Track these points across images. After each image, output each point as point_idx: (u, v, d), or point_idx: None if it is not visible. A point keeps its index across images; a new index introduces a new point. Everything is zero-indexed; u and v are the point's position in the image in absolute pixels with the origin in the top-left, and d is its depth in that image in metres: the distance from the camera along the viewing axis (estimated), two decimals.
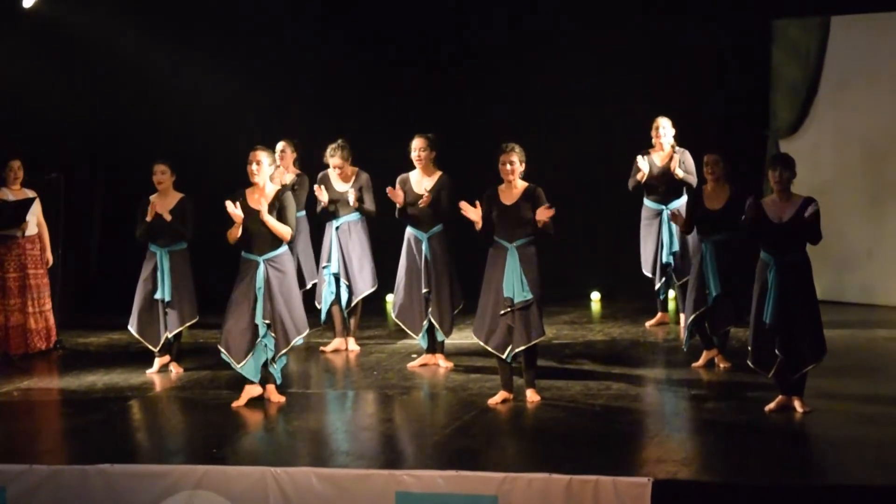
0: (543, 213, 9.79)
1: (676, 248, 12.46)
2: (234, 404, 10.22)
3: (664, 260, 12.54)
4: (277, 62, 15.13)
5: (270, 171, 10.31)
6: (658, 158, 12.56)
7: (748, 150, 13.84)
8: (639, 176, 12.51)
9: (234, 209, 10.06)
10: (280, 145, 12.65)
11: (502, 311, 9.87)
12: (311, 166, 12.62)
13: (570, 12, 14.51)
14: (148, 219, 11.42)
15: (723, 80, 14.31)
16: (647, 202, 12.73)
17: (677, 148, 12.54)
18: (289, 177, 12.53)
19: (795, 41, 14.02)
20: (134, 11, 14.79)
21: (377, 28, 15.04)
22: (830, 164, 13.78)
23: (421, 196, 11.23)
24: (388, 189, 11.23)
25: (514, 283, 9.85)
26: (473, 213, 9.92)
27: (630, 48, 14.31)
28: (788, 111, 14.10)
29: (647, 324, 13.00)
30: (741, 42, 14.24)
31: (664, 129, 12.56)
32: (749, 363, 9.60)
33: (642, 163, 12.46)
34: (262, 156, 10.26)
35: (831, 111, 13.93)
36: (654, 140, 12.61)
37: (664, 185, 12.51)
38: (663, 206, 12.52)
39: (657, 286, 12.73)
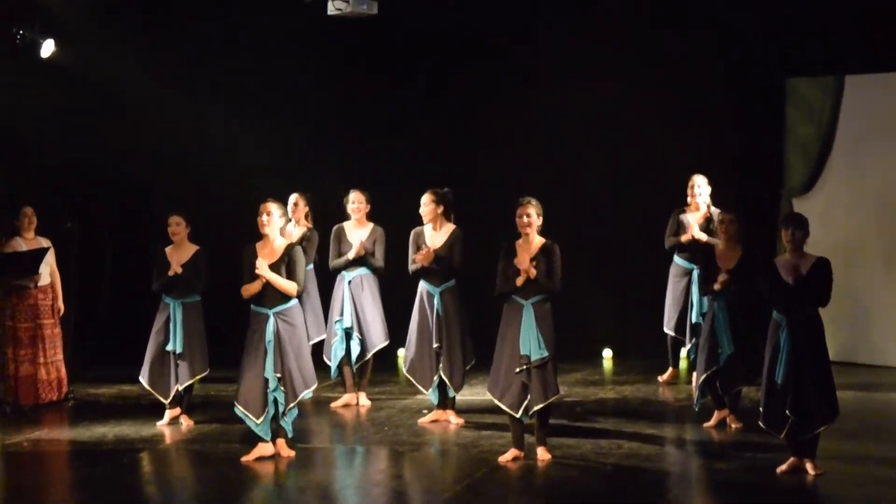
0: (523, 263, 9.78)
1: (707, 308, 12.35)
2: (244, 459, 10.18)
3: (694, 320, 12.42)
4: (292, 116, 15.19)
5: (280, 223, 10.32)
6: (693, 218, 12.49)
7: (762, 208, 13.84)
8: (684, 238, 12.41)
9: (265, 270, 10.05)
10: (293, 198, 12.70)
11: (518, 369, 9.85)
12: (322, 220, 12.64)
13: (587, 67, 14.54)
14: (170, 273, 11.43)
15: (737, 139, 14.32)
16: (677, 260, 12.66)
17: (713, 208, 12.45)
18: (299, 230, 12.56)
19: (810, 100, 14.05)
20: (155, 63, 14.88)
21: (392, 82, 15.11)
22: (844, 223, 13.77)
23: (434, 250, 11.23)
24: (419, 255, 11.20)
25: (530, 340, 9.84)
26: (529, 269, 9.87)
27: (646, 106, 14.33)
28: (802, 170, 14.11)
29: (660, 378, 12.96)
30: (756, 100, 14.28)
31: (700, 187, 12.49)
32: (760, 424, 9.55)
33: (694, 228, 12.29)
34: (273, 208, 10.28)
35: (845, 170, 13.94)
36: (689, 198, 12.55)
37: (698, 244, 12.35)
38: (694, 266, 12.36)
39: (687, 347, 12.60)
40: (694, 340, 12.45)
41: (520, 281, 9.86)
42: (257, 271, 10.09)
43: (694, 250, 12.43)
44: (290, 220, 12.03)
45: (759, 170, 14.29)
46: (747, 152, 14.30)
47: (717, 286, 10.65)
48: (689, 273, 12.52)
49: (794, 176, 14.17)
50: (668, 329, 12.72)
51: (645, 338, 13.14)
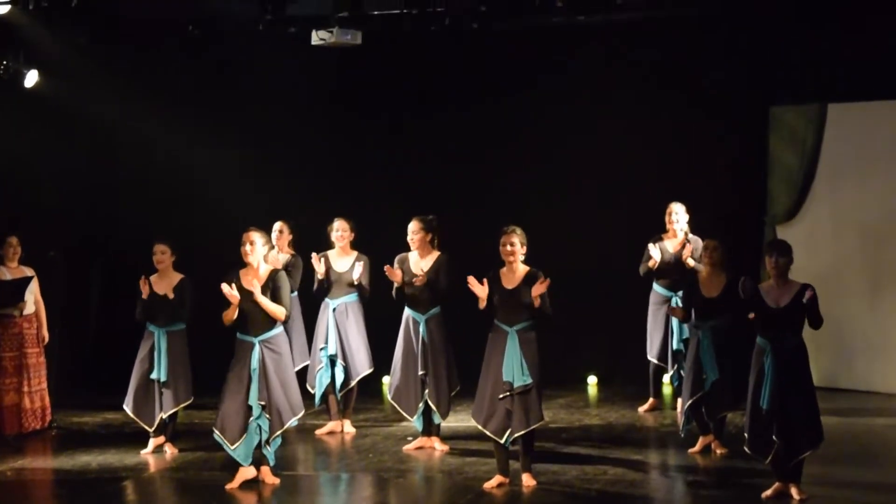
0: (537, 289, 9.80)
1: (686, 335, 12.39)
2: (228, 486, 10.15)
3: (675, 347, 12.47)
4: (275, 144, 15.22)
5: (264, 251, 10.32)
6: (671, 245, 12.55)
7: (745, 236, 13.88)
8: (650, 263, 12.50)
9: (231, 291, 10.06)
10: (277, 225, 12.70)
11: (501, 395, 9.85)
12: (306, 248, 12.64)
13: (573, 100, 14.61)
14: (144, 296, 11.42)
15: (720, 167, 14.37)
16: (656, 287, 12.72)
17: (690, 236, 12.52)
18: (283, 257, 12.56)
19: (792, 128, 14.12)
20: (133, 91, 14.91)
21: (376, 110, 15.15)
22: (827, 250, 13.82)
23: (418, 276, 11.25)
24: (387, 267, 11.27)
25: (514, 367, 9.84)
26: (480, 289, 9.91)
27: (628, 135, 14.39)
28: (785, 197, 14.17)
29: (640, 409, 12.97)
30: (739, 129, 14.33)
31: (677, 214, 12.56)
32: (746, 449, 9.55)
33: (654, 251, 12.44)
34: (256, 236, 10.27)
35: (828, 197, 14.00)
36: (667, 226, 12.61)
37: (676, 271, 12.46)
38: (673, 293, 12.47)
39: (669, 374, 12.64)
40: (676, 367, 12.50)
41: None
42: (250, 291, 10.05)
43: (672, 277, 12.48)
44: (273, 248, 12.03)
45: (743, 197, 14.34)
46: (731, 180, 14.34)
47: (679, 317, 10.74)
48: (668, 300, 12.56)
49: (777, 203, 14.22)
50: (652, 356, 12.74)
51: (630, 364, 13.16)
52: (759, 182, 14.31)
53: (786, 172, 14.18)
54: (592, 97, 14.58)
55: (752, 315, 9.42)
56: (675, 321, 12.40)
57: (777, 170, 14.23)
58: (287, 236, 12.78)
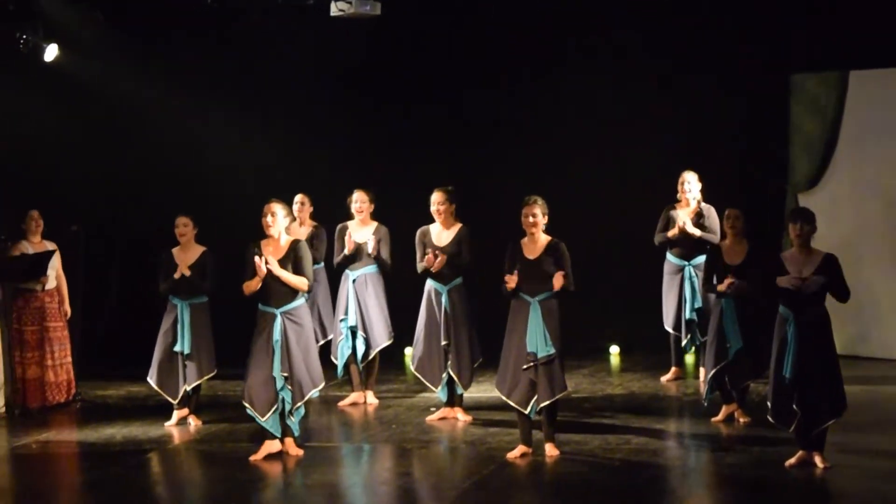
0: (558, 281, 9.80)
1: (700, 304, 12.41)
2: (253, 458, 10.19)
3: (687, 316, 12.49)
4: (295, 114, 15.21)
5: (285, 223, 10.31)
6: (684, 214, 12.53)
7: (767, 204, 13.84)
8: (670, 233, 12.47)
9: (261, 264, 10.05)
10: (298, 197, 12.74)
11: (525, 366, 9.85)
12: (327, 219, 12.65)
13: (591, 67, 14.57)
14: (176, 276, 11.44)
15: (742, 135, 14.33)
16: (669, 257, 12.71)
17: (703, 204, 12.51)
18: (305, 229, 12.58)
19: (814, 96, 14.06)
20: (155, 65, 14.92)
21: (397, 81, 15.11)
22: (849, 217, 13.77)
23: (441, 248, 11.23)
24: (427, 258, 11.21)
25: (537, 337, 9.83)
26: (513, 281, 9.89)
27: (650, 103, 14.36)
28: (807, 165, 14.12)
29: (663, 378, 12.96)
30: (760, 97, 14.27)
31: (690, 183, 12.52)
32: (769, 418, 9.55)
33: (681, 217, 12.39)
34: (277, 208, 10.26)
35: (850, 165, 13.94)
36: (679, 195, 12.58)
37: (688, 240, 12.47)
38: (686, 263, 12.50)
39: (683, 342, 12.67)
40: (689, 336, 12.53)
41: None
42: (268, 266, 10.05)
43: (685, 246, 12.47)
44: (294, 220, 12.06)
45: (765, 165, 14.30)
46: (752, 148, 14.31)
47: (721, 288, 10.66)
48: (681, 269, 12.56)
49: (799, 171, 14.17)
50: (668, 326, 12.74)
51: (652, 334, 13.12)
52: (780, 150, 14.26)
53: (807, 140, 14.12)
54: (612, 67, 14.53)
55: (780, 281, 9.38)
56: (687, 290, 12.43)
57: (798, 138, 14.17)
58: (308, 208, 12.81)
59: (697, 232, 12.31)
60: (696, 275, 12.37)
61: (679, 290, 12.57)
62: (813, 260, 9.35)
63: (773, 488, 9.08)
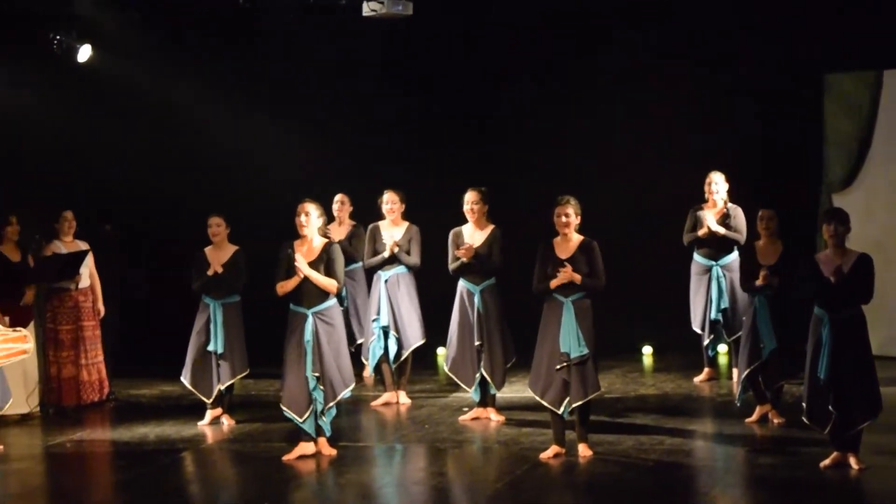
0: (564, 278, 9.78)
1: (726, 304, 12.39)
2: (286, 458, 10.20)
3: (713, 317, 12.49)
4: (329, 115, 15.23)
5: (319, 222, 10.31)
6: (711, 214, 12.51)
7: (801, 204, 13.78)
8: (700, 233, 12.45)
9: (302, 265, 10.06)
10: (338, 197, 12.88)
11: (558, 366, 9.84)
12: (363, 220, 12.68)
13: (624, 67, 14.54)
14: (210, 273, 11.47)
15: (776, 135, 14.26)
16: (696, 257, 12.69)
17: (730, 204, 12.49)
18: (344, 229, 12.64)
19: (848, 95, 14.00)
20: (187, 66, 14.97)
21: (430, 82, 15.11)
22: (884, 217, 13.70)
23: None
24: (459, 251, 11.20)
25: (570, 338, 9.82)
26: (574, 276, 9.86)
27: (683, 103, 14.32)
28: (841, 165, 14.06)
29: (696, 379, 12.92)
30: (794, 97, 14.21)
31: (717, 184, 12.50)
32: (804, 419, 9.51)
33: (708, 217, 12.38)
34: (311, 207, 10.26)
35: (885, 165, 13.87)
36: (706, 195, 12.57)
37: (716, 240, 12.46)
38: (713, 262, 12.48)
39: (706, 342, 12.67)
40: (713, 336, 12.49)
41: (554, 283, 9.85)
42: (297, 265, 10.07)
43: (712, 246, 12.46)
44: (330, 220, 12.09)
45: (798, 165, 14.23)
46: (786, 148, 14.24)
47: (759, 282, 10.61)
48: (708, 270, 12.53)
49: (833, 171, 14.11)
50: (696, 327, 12.73)
51: (685, 334, 13.07)
52: (814, 150, 14.19)
53: (841, 140, 14.06)
54: (644, 66, 14.49)
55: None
56: (714, 291, 12.41)
57: (832, 137, 14.11)
58: (348, 207, 12.92)
59: (722, 230, 12.30)
60: (724, 275, 12.39)
61: (707, 290, 12.54)
62: (847, 260, 9.30)
63: (807, 489, 9.03)
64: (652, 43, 14.47)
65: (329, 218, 12.65)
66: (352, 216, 12.98)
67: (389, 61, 15.05)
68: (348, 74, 15.12)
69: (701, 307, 12.63)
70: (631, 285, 13.81)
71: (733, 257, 12.36)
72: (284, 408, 10.20)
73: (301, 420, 10.15)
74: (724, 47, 14.21)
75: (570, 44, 14.72)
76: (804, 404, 9.46)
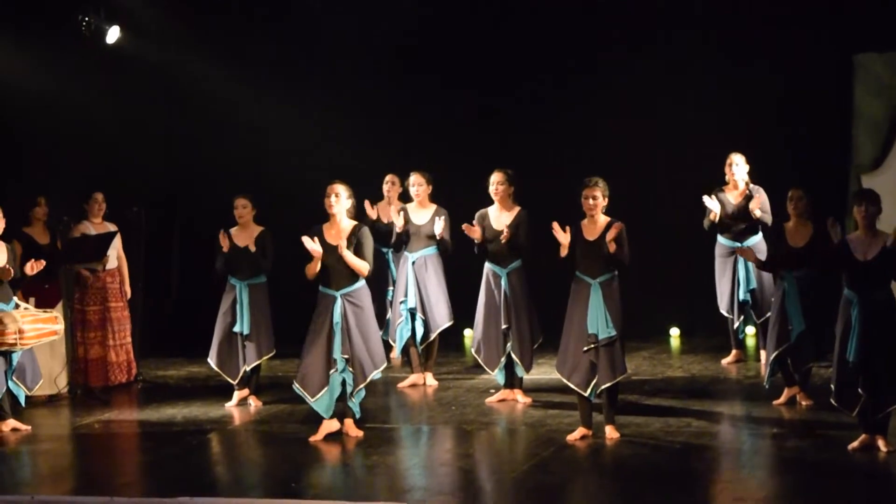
0: (611, 234, 9.75)
1: (754, 285, 12.35)
2: (312, 439, 10.22)
3: (741, 298, 12.44)
4: (357, 98, 15.19)
5: (348, 204, 10.31)
6: (732, 196, 12.46)
7: (830, 186, 13.70)
8: (711, 217, 12.43)
9: (313, 245, 10.08)
10: (388, 177, 13.01)
11: (586, 348, 9.82)
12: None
13: (648, 49, 14.48)
14: (224, 250, 11.47)
15: (804, 116, 14.17)
16: (720, 239, 12.64)
17: (751, 185, 12.43)
18: (393, 209, 12.68)
19: (878, 76, 13.92)
20: (215, 47, 14.98)
21: (457, 65, 15.06)
22: None
23: (500, 231, 11.23)
24: (465, 226, 11.23)
25: (598, 319, 9.80)
26: (563, 236, 9.86)
27: (711, 85, 14.26)
28: (871, 146, 13.98)
29: (724, 361, 12.88)
30: (823, 77, 14.12)
31: (738, 165, 12.46)
32: (832, 401, 9.47)
33: (711, 203, 12.36)
34: (340, 189, 10.27)
35: None
36: (727, 177, 12.52)
37: (739, 222, 12.40)
38: (738, 244, 12.41)
39: (736, 325, 12.62)
40: (742, 318, 12.46)
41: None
42: (337, 245, 10.06)
43: (734, 228, 12.41)
44: (379, 200, 12.15)
45: (828, 147, 14.14)
46: (816, 129, 14.14)
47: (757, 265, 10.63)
48: (732, 252, 12.46)
49: (862, 153, 14.04)
50: (723, 310, 12.67)
51: (712, 316, 13.02)
52: (844, 131, 14.11)
53: (871, 121, 13.99)
54: (672, 48, 14.42)
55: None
56: (741, 272, 12.36)
57: (862, 119, 14.04)
58: (398, 188, 12.98)
59: (758, 213, 12.20)
60: None
61: (733, 272, 12.49)
62: (878, 241, 9.25)
63: (835, 472, 8.99)
64: (679, 25, 14.38)
65: (363, 198, 12.76)
66: (400, 197, 12.96)
67: (418, 43, 14.99)
68: (377, 57, 15.08)
69: (728, 289, 12.58)
70: (659, 267, 13.80)
71: (758, 239, 12.33)
72: (297, 385, 10.24)
73: (313, 400, 10.17)
74: (752, 27, 14.12)
75: (595, 26, 14.64)
76: (832, 386, 9.42)
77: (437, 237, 11.94)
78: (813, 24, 13.97)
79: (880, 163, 13.95)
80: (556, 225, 9.87)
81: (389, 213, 12.70)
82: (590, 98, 14.75)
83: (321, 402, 10.21)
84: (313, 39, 15.18)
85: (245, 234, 11.63)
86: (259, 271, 11.58)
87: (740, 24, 14.14)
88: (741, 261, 12.36)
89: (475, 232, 11.24)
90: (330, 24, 14.99)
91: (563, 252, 9.89)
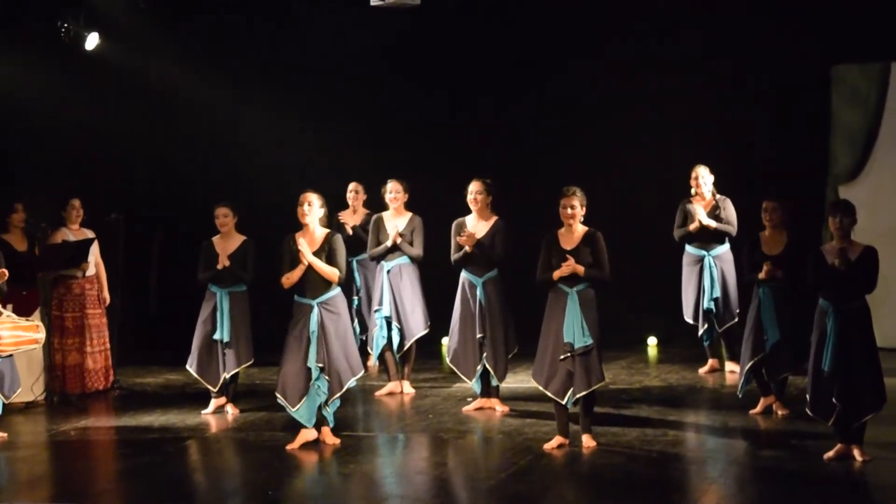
0: (565, 271, 9.77)
1: (718, 294, 12.43)
2: (289, 447, 10.21)
3: (705, 306, 12.53)
4: (333, 107, 15.21)
5: (321, 213, 10.32)
6: (700, 207, 12.53)
7: (807, 196, 13.75)
8: (692, 227, 12.48)
9: (305, 250, 10.07)
10: (352, 186, 13.01)
11: (562, 357, 9.84)
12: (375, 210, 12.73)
13: (625, 58, 14.52)
14: (219, 267, 11.46)
15: (782, 127, 14.23)
16: (688, 248, 12.73)
17: (718, 196, 12.50)
18: (358, 217, 12.73)
19: (855, 87, 13.98)
20: (194, 55, 14.98)
21: (436, 73, 15.09)
22: (890, 209, 13.68)
23: (478, 241, 11.23)
24: (462, 238, 11.20)
25: (574, 328, 9.81)
26: (567, 269, 9.84)
27: (688, 94, 14.28)
28: (848, 157, 14.04)
29: (700, 371, 12.92)
30: (801, 88, 14.18)
31: (703, 178, 12.57)
32: (807, 411, 9.50)
33: (699, 210, 12.40)
34: (313, 197, 10.30)
35: (891, 156, 13.87)
36: (694, 189, 12.58)
37: (707, 232, 12.48)
38: (705, 253, 12.52)
39: (700, 332, 12.69)
40: (706, 326, 12.53)
41: (557, 274, 9.84)
42: (300, 250, 10.07)
43: (704, 238, 12.52)
44: (344, 208, 12.12)
45: (805, 157, 14.20)
46: (793, 139, 14.21)
47: (762, 275, 10.59)
48: (700, 260, 12.56)
49: (839, 163, 14.10)
50: (688, 318, 12.76)
51: (689, 325, 13.06)
52: (821, 142, 14.17)
53: (848, 132, 14.04)
54: (650, 59, 14.46)
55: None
56: (707, 280, 12.48)
57: (839, 129, 14.10)
58: (362, 196, 13.05)
59: (713, 223, 12.34)
60: (715, 265, 12.44)
61: (698, 280, 12.57)
62: (853, 252, 9.29)
63: (810, 481, 9.02)
64: (657, 35, 14.43)
65: (342, 206, 12.78)
66: (365, 205, 13.01)
67: (396, 51, 15.02)
68: (356, 64, 15.10)
69: (693, 297, 12.67)
70: (636, 276, 13.80)
71: (724, 248, 12.45)
72: (278, 395, 10.25)
73: (294, 409, 10.18)
74: (730, 38, 14.18)
75: (574, 37, 14.69)
76: (808, 396, 9.46)
77: (392, 238, 11.94)
78: (791, 34, 14.03)
79: (857, 173, 14.02)
80: (570, 260, 9.82)
81: (352, 221, 12.78)
82: (567, 108, 14.81)
83: (302, 411, 10.21)
84: (294, 46, 15.18)
85: (227, 244, 11.61)
86: (240, 279, 11.56)
87: (718, 35, 14.18)
88: (707, 269, 12.48)
89: (470, 240, 11.20)
90: (311, 30, 14.98)
91: (555, 277, 9.88)
